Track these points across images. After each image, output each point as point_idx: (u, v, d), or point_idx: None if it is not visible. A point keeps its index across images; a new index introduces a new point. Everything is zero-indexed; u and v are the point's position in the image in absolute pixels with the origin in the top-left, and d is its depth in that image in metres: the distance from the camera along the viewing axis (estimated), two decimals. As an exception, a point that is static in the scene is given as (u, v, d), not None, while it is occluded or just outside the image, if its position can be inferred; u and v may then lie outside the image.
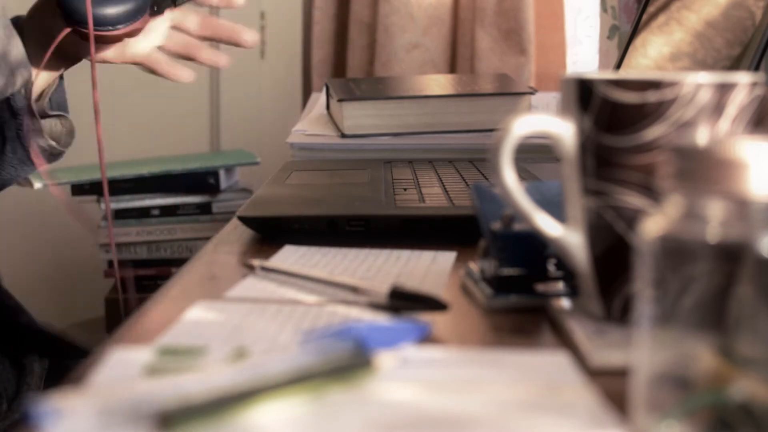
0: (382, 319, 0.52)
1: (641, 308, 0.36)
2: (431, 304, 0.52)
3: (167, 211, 1.73)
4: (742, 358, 0.33)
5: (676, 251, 0.34)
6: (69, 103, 0.97)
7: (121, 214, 1.73)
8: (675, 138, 0.46)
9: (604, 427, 0.38)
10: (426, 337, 0.48)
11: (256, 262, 0.63)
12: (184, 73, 0.95)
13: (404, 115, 1.22)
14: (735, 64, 0.88)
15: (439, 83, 1.47)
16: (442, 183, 0.92)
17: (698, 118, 0.47)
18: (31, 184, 1.54)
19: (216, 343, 0.47)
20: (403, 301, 0.53)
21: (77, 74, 0.99)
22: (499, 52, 1.95)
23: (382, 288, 0.54)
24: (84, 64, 0.93)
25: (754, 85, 0.48)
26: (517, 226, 0.55)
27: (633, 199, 0.48)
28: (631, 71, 1.04)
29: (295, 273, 0.60)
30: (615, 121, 0.48)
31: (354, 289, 0.56)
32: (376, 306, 0.54)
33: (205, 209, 1.74)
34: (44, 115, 0.92)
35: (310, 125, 1.28)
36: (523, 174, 0.97)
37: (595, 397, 0.41)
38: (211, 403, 0.37)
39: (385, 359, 0.43)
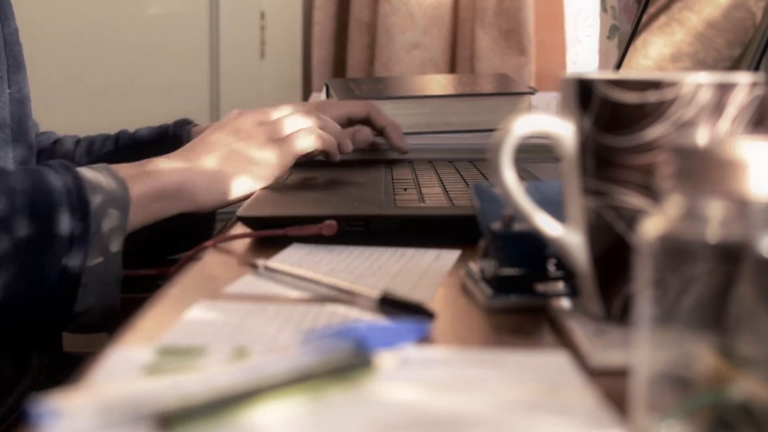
0: (382, 319, 0.52)
1: (641, 308, 0.36)
2: (419, 312, 0.52)
3: (167, 210, 1.73)
4: (742, 358, 0.33)
5: (676, 251, 0.34)
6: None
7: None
8: (675, 138, 0.46)
9: (604, 427, 0.38)
10: (426, 337, 0.48)
11: (260, 262, 0.63)
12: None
13: (404, 115, 1.22)
14: (735, 65, 0.88)
15: (439, 83, 1.47)
16: (442, 183, 0.92)
17: (698, 118, 0.47)
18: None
19: (216, 343, 0.47)
20: (392, 308, 0.53)
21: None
22: (499, 52, 1.95)
23: (372, 293, 0.54)
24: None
25: (754, 85, 0.48)
26: (517, 226, 0.55)
27: (633, 199, 0.48)
28: (631, 71, 1.04)
29: (292, 273, 0.60)
30: (615, 121, 0.48)
31: (347, 293, 0.56)
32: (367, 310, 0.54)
33: (205, 209, 1.74)
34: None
35: (310, 125, 1.28)
36: (523, 174, 0.97)
37: (595, 397, 0.41)
38: (211, 403, 0.37)
39: (385, 359, 0.43)
